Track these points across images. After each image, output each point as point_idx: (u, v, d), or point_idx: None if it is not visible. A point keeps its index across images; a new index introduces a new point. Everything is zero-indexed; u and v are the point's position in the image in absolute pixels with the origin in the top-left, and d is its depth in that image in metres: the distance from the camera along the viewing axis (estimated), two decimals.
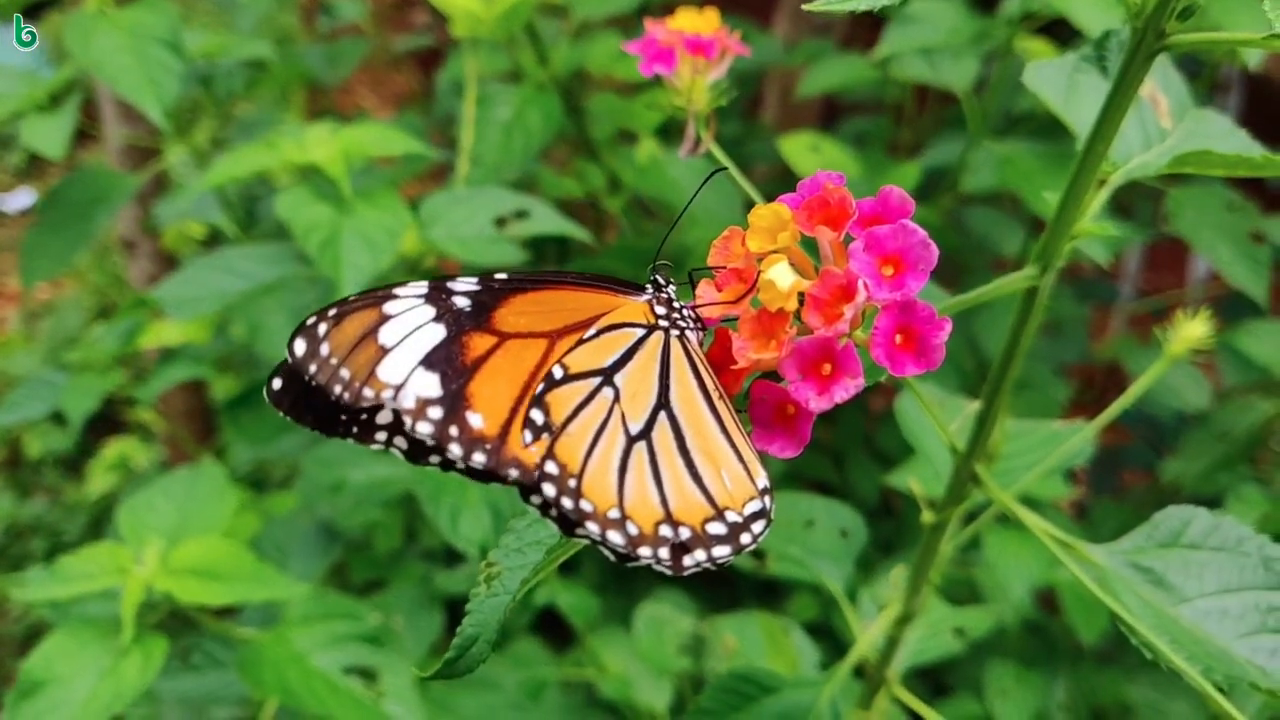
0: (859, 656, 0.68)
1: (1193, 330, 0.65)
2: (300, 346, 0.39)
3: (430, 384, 0.39)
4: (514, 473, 0.39)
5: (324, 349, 0.39)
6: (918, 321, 0.34)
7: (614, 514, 0.38)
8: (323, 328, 0.39)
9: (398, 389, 0.39)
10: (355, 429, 0.41)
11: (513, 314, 0.41)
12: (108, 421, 2.05)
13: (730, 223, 0.42)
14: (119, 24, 0.93)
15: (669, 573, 0.39)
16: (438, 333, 0.40)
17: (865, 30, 1.95)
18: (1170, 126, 0.53)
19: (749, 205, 0.41)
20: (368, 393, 0.39)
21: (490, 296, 0.41)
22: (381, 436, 0.41)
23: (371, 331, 0.39)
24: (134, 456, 1.81)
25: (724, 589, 1.38)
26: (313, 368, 0.39)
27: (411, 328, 0.39)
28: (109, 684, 0.78)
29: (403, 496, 1.07)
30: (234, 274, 0.93)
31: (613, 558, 0.40)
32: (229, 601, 0.83)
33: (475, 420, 0.39)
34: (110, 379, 1.16)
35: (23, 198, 2.70)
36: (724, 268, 0.40)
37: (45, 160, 2.80)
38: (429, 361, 0.39)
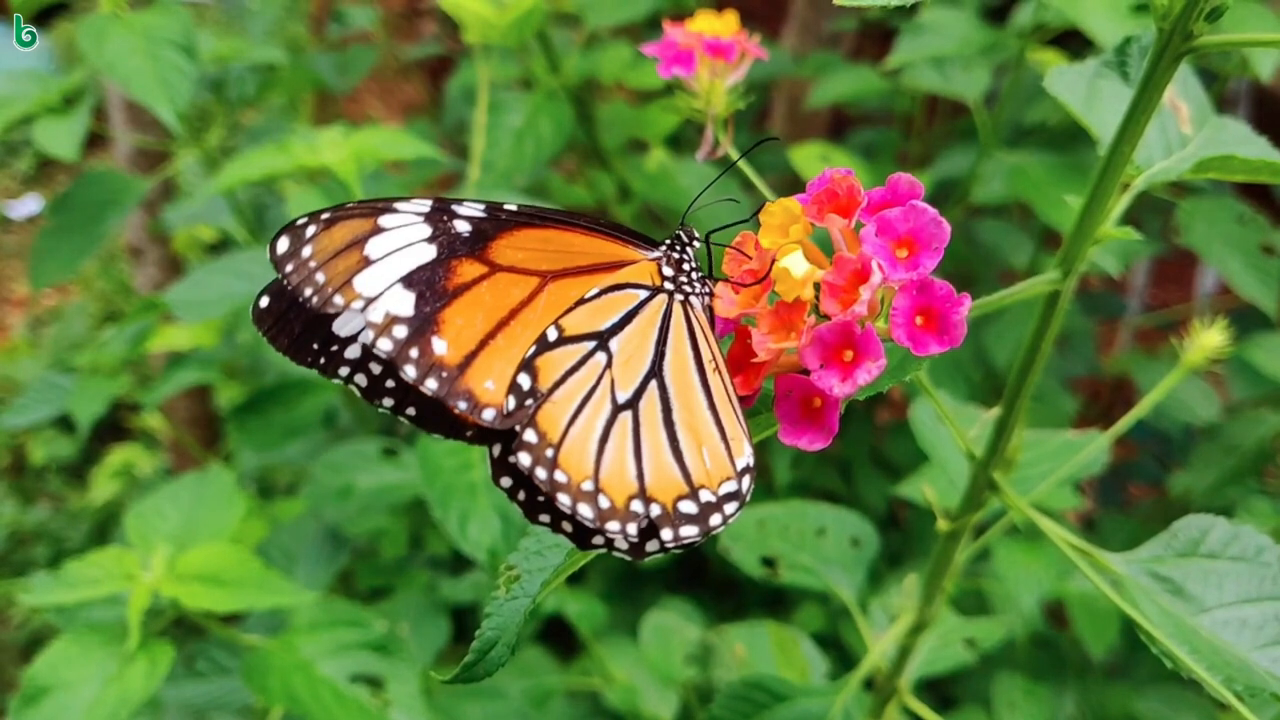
0: (871, 666, 0.68)
1: (1210, 339, 0.64)
2: (282, 244, 0.38)
3: (404, 302, 0.38)
4: (462, 404, 0.38)
5: (306, 250, 0.38)
6: (937, 300, 0.34)
7: (588, 485, 0.37)
8: (311, 229, 0.38)
9: (369, 301, 0.38)
10: (323, 360, 0.40)
11: (512, 247, 0.39)
12: (112, 428, 2.05)
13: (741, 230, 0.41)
14: (133, 26, 0.93)
15: (628, 557, 0.38)
16: (426, 253, 0.38)
17: (873, 44, 1.95)
18: (1191, 133, 0.53)
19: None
20: (338, 300, 0.38)
21: (493, 225, 0.39)
22: (344, 371, 0.40)
23: (360, 241, 0.38)
24: (138, 463, 1.80)
25: (730, 599, 1.37)
26: (289, 267, 0.38)
27: (402, 244, 0.38)
28: (114, 690, 0.78)
29: (409, 504, 1.06)
30: (243, 277, 0.93)
31: (571, 542, 0.39)
32: (235, 608, 0.82)
33: (439, 346, 0.38)
34: (118, 383, 1.15)
35: (30, 204, 2.70)
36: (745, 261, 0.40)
37: (53, 167, 2.81)
38: (410, 280, 0.38)
